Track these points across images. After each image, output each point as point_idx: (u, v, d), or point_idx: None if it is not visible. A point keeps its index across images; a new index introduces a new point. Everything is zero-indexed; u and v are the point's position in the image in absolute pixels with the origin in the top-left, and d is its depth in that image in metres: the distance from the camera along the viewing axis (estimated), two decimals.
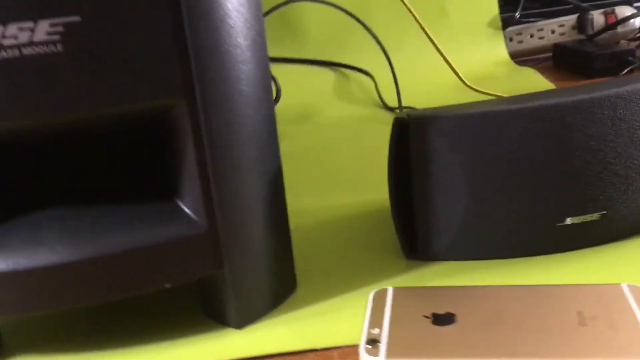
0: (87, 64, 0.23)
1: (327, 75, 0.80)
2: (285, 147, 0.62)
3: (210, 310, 0.30)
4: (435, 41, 0.74)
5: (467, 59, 0.81)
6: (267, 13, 0.79)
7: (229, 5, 0.26)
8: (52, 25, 0.23)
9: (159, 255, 0.26)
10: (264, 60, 0.29)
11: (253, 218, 0.28)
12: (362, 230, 0.38)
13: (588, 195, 0.31)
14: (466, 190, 0.31)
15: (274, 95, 0.72)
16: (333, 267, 0.34)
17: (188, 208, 0.27)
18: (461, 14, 0.85)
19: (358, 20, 0.75)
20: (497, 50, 0.83)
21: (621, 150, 0.31)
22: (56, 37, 0.23)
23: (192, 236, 0.27)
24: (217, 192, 0.27)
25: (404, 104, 0.70)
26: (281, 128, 0.68)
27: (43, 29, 0.23)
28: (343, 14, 0.80)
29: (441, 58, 0.76)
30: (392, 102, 0.71)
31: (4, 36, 0.22)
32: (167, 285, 0.27)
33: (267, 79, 0.29)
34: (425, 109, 0.35)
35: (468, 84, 0.73)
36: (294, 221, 0.41)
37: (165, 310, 0.32)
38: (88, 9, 0.23)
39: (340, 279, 0.33)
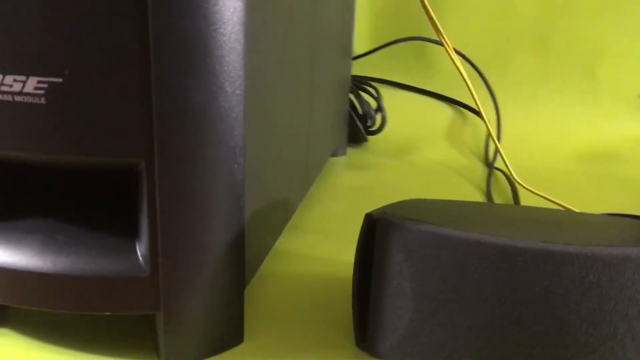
0: (62, 118, 0.27)
1: (443, 111, 0.79)
2: (365, 177, 0.63)
3: (153, 342, 0.34)
4: (579, 103, 0.70)
5: (604, 128, 0.75)
6: (399, 41, 0.79)
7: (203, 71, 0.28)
8: (39, 82, 0.27)
9: (101, 286, 0.30)
10: (237, 124, 0.30)
11: (201, 273, 0.31)
12: (337, 299, 0.39)
13: (535, 353, 0.29)
14: (411, 304, 0.31)
15: (379, 123, 0.73)
16: (286, 329, 0.36)
17: (140, 250, 0.30)
18: (611, 79, 0.78)
19: (479, 73, 0.73)
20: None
21: (585, 316, 0.28)
22: (41, 92, 0.27)
23: (133, 277, 0.30)
24: (163, 245, 0.30)
25: (507, 162, 0.67)
26: (373, 157, 0.69)
27: (32, 84, 0.27)
28: (480, 52, 0.78)
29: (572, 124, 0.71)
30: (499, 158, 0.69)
31: (2, 83, 0.27)
32: (108, 313, 0.31)
33: (238, 143, 0.30)
34: (407, 204, 0.35)
35: (520, 181, 0.66)
36: (282, 265, 0.43)
37: (132, 331, 0.35)
38: (69, 74, 0.27)
39: (288, 344, 0.34)
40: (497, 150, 0.66)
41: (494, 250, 0.29)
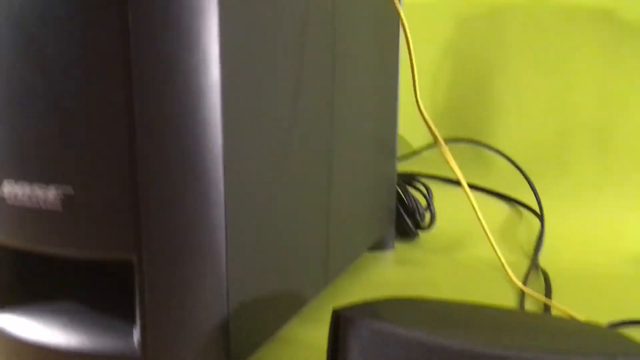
0: (73, 221, 0.34)
1: (496, 208, 0.80)
2: (405, 273, 0.66)
3: None
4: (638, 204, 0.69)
5: None
6: (453, 141, 0.82)
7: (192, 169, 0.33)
8: (58, 193, 0.34)
9: None
10: (220, 225, 0.35)
11: (187, 357, 0.35)
12: None
13: None
14: None
15: (428, 220, 0.76)
16: None
17: (134, 333, 0.36)
18: None
19: (525, 177, 0.74)
20: None
21: None
22: (58, 200, 0.34)
23: (127, 357, 0.35)
24: (152, 330, 0.34)
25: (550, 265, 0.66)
26: (420, 253, 0.71)
27: (52, 192, 0.34)
28: (536, 150, 0.79)
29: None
30: (548, 259, 0.68)
31: (31, 191, 0.34)
32: None
33: (221, 238, 0.35)
34: (370, 304, 0.37)
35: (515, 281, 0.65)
36: (276, 350, 0.45)
37: None
38: (79, 188, 0.33)
39: None
40: (536, 251, 0.67)
41: (435, 350, 0.31)
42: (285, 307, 0.47)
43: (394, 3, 0.48)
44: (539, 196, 0.72)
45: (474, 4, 0.83)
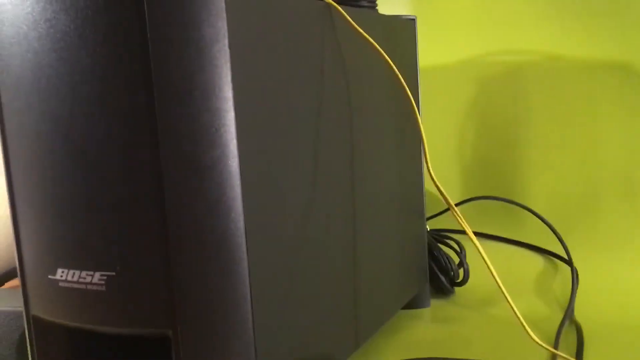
0: (110, 300, 0.38)
1: (531, 261, 0.81)
2: (440, 331, 0.67)
3: None
4: None
5: None
6: (484, 198, 0.84)
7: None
8: (102, 275, 0.38)
9: None
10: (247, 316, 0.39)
11: None
12: None
13: None
14: None
15: (462, 277, 0.77)
16: None
17: None
18: None
19: (552, 229, 0.75)
20: None
21: None
22: (102, 281, 0.38)
23: None
24: None
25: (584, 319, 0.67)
26: (456, 310, 0.73)
27: (97, 275, 0.38)
28: (565, 203, 0.81)
29: None
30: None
31: (80, 276, 0.39)
32: None
33: (248, 323, 0.39)
34: None
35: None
36: None
37: None
38: (119, 269, 0.37)
39: None
40: (569, 304, 0.67)
41: None
42: None
43: (398, 78, 0.52)
44: (567, 249, 0.73)
45: (492, 65, 0.86)
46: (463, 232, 0.86)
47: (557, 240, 0.80)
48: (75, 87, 0.37)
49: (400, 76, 0.52)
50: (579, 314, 0.68)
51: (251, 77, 0.39)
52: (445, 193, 0.49)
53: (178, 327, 0.37)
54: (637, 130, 0.78)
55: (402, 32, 0.69)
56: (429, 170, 0.49)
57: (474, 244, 0.51)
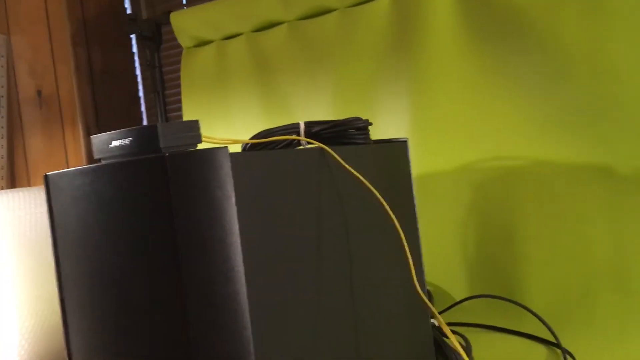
0: None
1: (537, 351, 0.86)
2: None
3: None
4: None
5: None
6: (484, 296, 0.91)
7: None
8: None
9: None
10: None
11: None
12: None
13: None
14: None
15: None
16: None
17: None
18: None
19: (548, 328, 0.81)
20: None
21: None
22: None
23: None
24: None
25: None
26: None
27: None
28: (563, 297, 0.87)
29: None
30: None
31: None
32: None
33: None
34: None
35: None
36: None
37: None
38: None
39: None
40: None
41: None
42: None
43: (381, 202, 0.61)
44: (558, 339, 0.79)
45: (486, 170, 0.95)
46: (470, 324, 0.92)
47: (557, 331, 0.86)
48: (116, 241, 0.47)
49: (382, 201, 0.61)
50: None
51: (256, 223, 0.48)
52: (428, 302, 0.57)
53: None
54: (623, 228, 0.84)
55: (395, 153, 0.78)
56: (413, 280, 0.57)
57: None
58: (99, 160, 0.53)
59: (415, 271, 0.81)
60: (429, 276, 1.01)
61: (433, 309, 0.58)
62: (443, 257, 0.99)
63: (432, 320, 0.93)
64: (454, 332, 0.87)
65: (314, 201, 0.57)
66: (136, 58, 1.89)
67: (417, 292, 0.58)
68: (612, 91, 0.83)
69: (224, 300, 0.46)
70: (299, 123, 0.74)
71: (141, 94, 1.88)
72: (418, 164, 1.01)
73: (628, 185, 0.84)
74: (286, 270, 0.51)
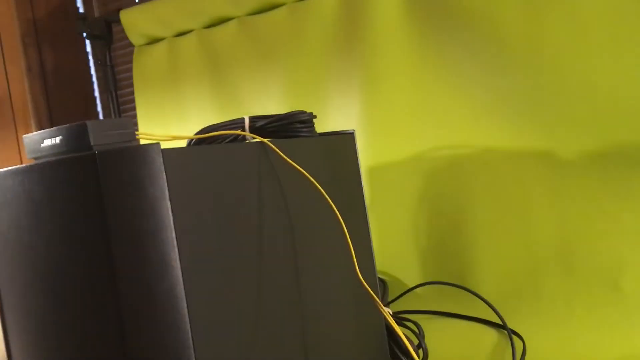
0: None
1: (488, 335, 0.88)
2: None
3: None
4: (607, 318, 0.77)
5: (634, 341, 0.79)
6: (435, 283, 0.92)
7: None
8: None
9: None
10: None
11: None
12: None
13: None
14: None
15: (421, 357, 0.85)
16: None
17: None
18: (636, 289, 0.84)
19: (495, 312, 0.82)
20: None
21: None
22: None
23: None
24: None
25: None
26: None
27: None
28: (512, 280, 0.89)
29: None
30: None
31: None
32: None
33: None
34: None
35: None
36: None
37: None
38: None
39: None
40: None
41: None
42: None
43: (322, 193, 0.62)
44: (505, 321, 0.81)
45: (434, 159, 0.96)
46: (421, 311, 0.94)
47: (507, 314, 0.88)
48: (49, 241, 0.47)
49: (322, 191, 0.62)
50: None
51: (193, 219, 0.49)
52: (373, 293, 0.58)
53: None
54: (566, 211, 0.87)
55: (342, 145, 0.79)
56: (356, 272, 0.58)
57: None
58: (34, 160, 0.52)
59: (365, 261, 0.82)
60: (384, 266, 1.02)
61: (375, 297, 0.59)
62: (396, 247, 1.00)
63: (386, 309, 0.94)
64: (407, 320, 0.88)
65: (256, 196, 0.58)
66: (90, 57, 1.86)
67: (359, 280, 0.59)
68: (552, 79, 0.85)
69: (159, 295, 0.46)
70: (244, 118, 0.74)
71: (97, 93, 1.86)
72: (368, 156, 1.02)
73: (569, 169, 0.86)
74: (226, 265, 0.52)
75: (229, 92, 1.22)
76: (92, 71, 1.86)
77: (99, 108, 1.89)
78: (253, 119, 0.74)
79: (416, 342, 0.85)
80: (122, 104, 1.72)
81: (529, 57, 0.86)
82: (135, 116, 1.64)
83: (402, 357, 0.85)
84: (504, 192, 0.91)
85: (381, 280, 0.98)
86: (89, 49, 1.87)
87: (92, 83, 1.86)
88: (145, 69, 1.36)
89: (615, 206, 0.84)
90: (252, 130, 0.73)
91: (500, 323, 0.87)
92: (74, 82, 1.82)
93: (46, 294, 0.47)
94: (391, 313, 0.94)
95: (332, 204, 0.62)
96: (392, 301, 0.93)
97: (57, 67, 1.79)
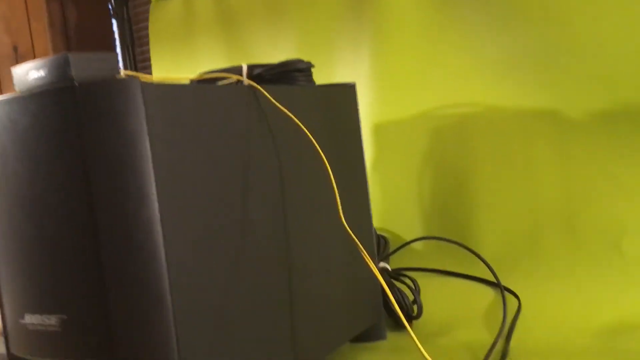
0: (64, 338, 0.48)
1: (485, 294, 0.88)
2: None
3: None
4: (607, 279, 0.77)
5: (634, 302, 0.78)
6: (434, 238, 0.92)
7: None
8: (57, 318, 0.48)
9: None
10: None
11: None
12: None
13: None
14: None
15: (416, 312, 0.85)
16: None
17: None
18: (638, 252, 0.83)
19: (492, 273, 0.82)
20: None
21: None
22: (58, 323, 0.48)
23: None
24: None
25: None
26: (409, 341, 0.80)
27: (54, 318, 0.48)
28: (512, 241, 0.88)
29: None
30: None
31: (42, 319, 0.49)
32: None
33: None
34: None
35: None
36: None
37: None
38: (69, 315, 0.47)
39: None
40: (509, 332, 0.75)
41: None
42: None
43: (312, 141, 0.62)
44: (500, 281, 0.81)
45: (441, 117, 0.95)
46: (420, 269, 0.94)
47: (507, 273, 0.88)
48: (32, 169, 0.48)
49: (311, 137, 0.62)
50: (520, 339, 0.75)
51: (172, 152, 0.49)
52: (356, 239, 0.58)
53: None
54: (570, 171, 0.85)
55: (342, 98, 0.79)
56: (341, 219, 0.58)
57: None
58: None
59: (363, 218, 0.82)
60: (387, 224, 1.02)
61: (359, 244, 0.59)
62: (400, 205, 1.00)
63: (383, 264, 0.95)
64: (404, 276, 0.88)
65: (244, 140, 0.58)
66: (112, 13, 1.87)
67: (345, 227, 0.59)
68: (560, 37, 0.83)
69: (137, 224, 0.46)
70: (242, 65, 0.74)
71: (118, 50, 1.87)
72: (374, 113, 1.01)
73: (575, 129, 0.84)
74: (207, 204, 0.52)
75: (242, 47, 1.23)
76: (114, 27, 1.88)
77: (121, 65, 1.91)
78: (251, 67, 0.74)
79: (412, 298, 0.86)
80: (143, 61, 1.73)
81: (537, 14, 0.84)
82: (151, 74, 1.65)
83: (397, 311, 0.85)
84: (508, 152, 0.89)
85: (383, 238, 0.98)
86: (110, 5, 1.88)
87: (114, 39, 1.87)
88: (161, 24, 1.37)
89: (620, 168, 0.83)
90: (250, 78, 0.73)
91: (495, 282, 0.87)
92: (96, 38, 1.83)
93: (28, 220, 0.49)
94: (389, 269, 0.95)
95: (320, 151, 0.62)
96: (390, 254, 0.94)
97: (80, 23, 1.80)
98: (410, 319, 0.86)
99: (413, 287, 0.86)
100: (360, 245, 0.61)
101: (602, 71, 0.81)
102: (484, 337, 0.78)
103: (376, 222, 1.07)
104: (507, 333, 0.77)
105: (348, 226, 0.78)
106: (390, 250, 0.99)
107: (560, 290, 0.82)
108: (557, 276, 0.84)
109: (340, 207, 0.60)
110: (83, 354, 0.47)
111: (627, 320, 0.75)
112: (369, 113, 1.02)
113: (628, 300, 0.77)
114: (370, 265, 0.62)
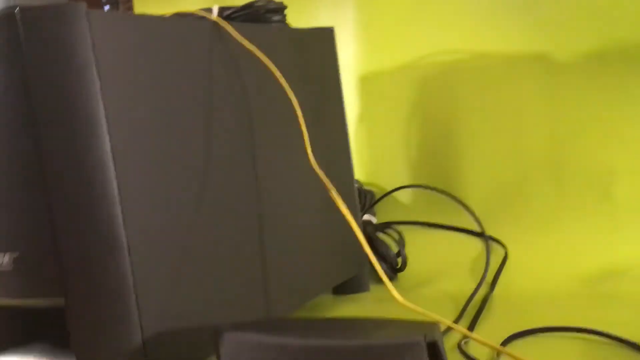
0: (17, 278, 0.46)
1: (471, 244, 0.86)
2: (378, 310, 0.73)
3: None
4: (596, 225, 0.75)
5: (621, 248, 0.76)
6: (420, 187, 0.90)
7: None
8: (9, 256, 0.46)
9: None
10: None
11: None
12: None
13: None
14: None
15: (401, 264, 0.83)
16: None
17: None
18: (627, 197, 0.80)
19: (477, 221, 0.80)
20: None
21: None
22: (10, 262, 0.46)
23: None
24: None
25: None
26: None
27: (7, 257, 0.46)
28: (499, 189, 0.86)
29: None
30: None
31: None
32: None
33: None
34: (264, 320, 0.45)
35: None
36: None
37: None
38: (20, 253, 0.46)
39: None
40: (494, 280, 0.73)
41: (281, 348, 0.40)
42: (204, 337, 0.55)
43: (281, 84, 0.59)
44: (484, 230, 0.79)
45: (428, 65, 0.92)
46: (407, 222, 0.92)
47: (494, 223, 0.86)
48: None
49: (283, 82, 0.59)
50: (506, 287, 0.73)
51: (124, 86, 0.47)
52: (326, 179, 0.56)
53: (69, 298, 0.45)
54: (559, 117, 0.82)
55: (319, 42, 0.76)
56: (310, 161, 0.56)
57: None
58: None
59: (343, 171, 0.80)
60: (373, 175, 1.00)
61: (333, 193, 0.57)
62: (387, 158, 0.98)
63: (369, 216, 0.93)
64: (389, 228, 0.86)
65: (207, 79, 0.55)
66: None
67: (315, 169, 0.57)
68: None
69: (87, 159, 0.44)
70: (213, 7, 0.71)
71: None
72: (360, 64, 0.98)
73: (565, 73, 0.81)
74: (165, 144, 0.50)
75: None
76: None
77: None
78: (223, 9, 0.71)
79: (396, 250, 0.84)
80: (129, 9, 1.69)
81: None
82: None
83: (382, 264, 0.84)
84: (495, 99, 0.87)
85: (369, 191, 0.96)
86: None
87: None
88: None
89: (611, 112, 0.80)
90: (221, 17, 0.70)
91: (486, 233, 0.85)
92: None
93: None
94: (374, 222, 0.93)
95: (288, 88, 0.59)
96: (375, 203, 0.92)
97: None
98: (394, 271, 0.84)
99: (398, 239, 0.84)
100: (334, 190, 0.59)
101: (594, 10, 0.78)
102: (469, 286, 0.76)
103: (363, 175, 1.05)
104: (491, 281, 0.75)
105: (325, 174, 0.76)
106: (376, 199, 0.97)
107: (548, 238, 0.80)
108: (545, 224, 0.81)
109: (309, 149, 0.57)
110: (35, 291, 0.46)
111: (615, 265, 0.73)
112: (353, 64, 0.99)
113: (616, 246, 0.75)
114: (343, 212, 0.60)
